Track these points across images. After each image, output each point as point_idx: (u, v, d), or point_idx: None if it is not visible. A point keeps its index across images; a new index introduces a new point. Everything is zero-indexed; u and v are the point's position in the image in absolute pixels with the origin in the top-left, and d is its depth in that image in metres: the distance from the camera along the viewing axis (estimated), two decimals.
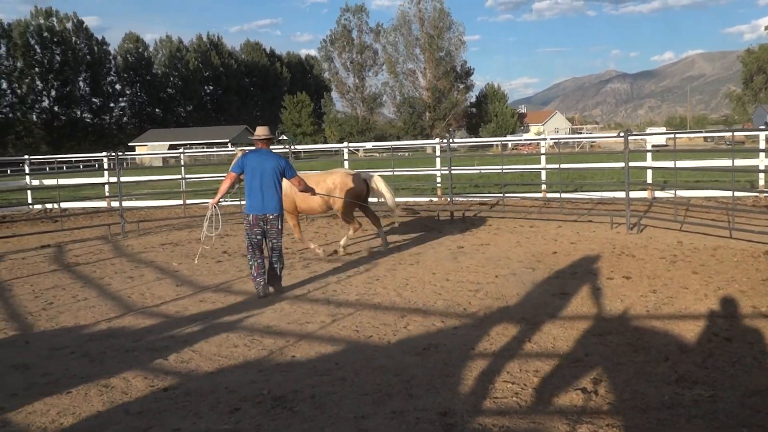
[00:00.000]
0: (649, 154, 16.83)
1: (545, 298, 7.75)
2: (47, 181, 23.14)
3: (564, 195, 16.37)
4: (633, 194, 14.45)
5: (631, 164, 13.20)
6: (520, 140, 37.95)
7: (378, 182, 11.41)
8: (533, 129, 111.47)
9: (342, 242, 11.41)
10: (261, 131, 8.72)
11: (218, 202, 8.78)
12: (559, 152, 18.27)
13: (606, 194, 17.04)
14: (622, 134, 13.13)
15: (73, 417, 4.81)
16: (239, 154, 9.10)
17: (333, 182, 11.08)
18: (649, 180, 16.77)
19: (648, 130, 71.08)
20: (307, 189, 9.11)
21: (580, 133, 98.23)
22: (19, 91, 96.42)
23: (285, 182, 8.76)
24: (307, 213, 11.85)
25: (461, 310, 7.37)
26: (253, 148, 9.00)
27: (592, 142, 61.45)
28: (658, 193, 16.66)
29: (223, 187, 8.63)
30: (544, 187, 18.10)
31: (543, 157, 18.78)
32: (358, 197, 11.13)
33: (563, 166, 17.09)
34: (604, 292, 7.87)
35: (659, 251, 10.36)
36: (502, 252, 10.91)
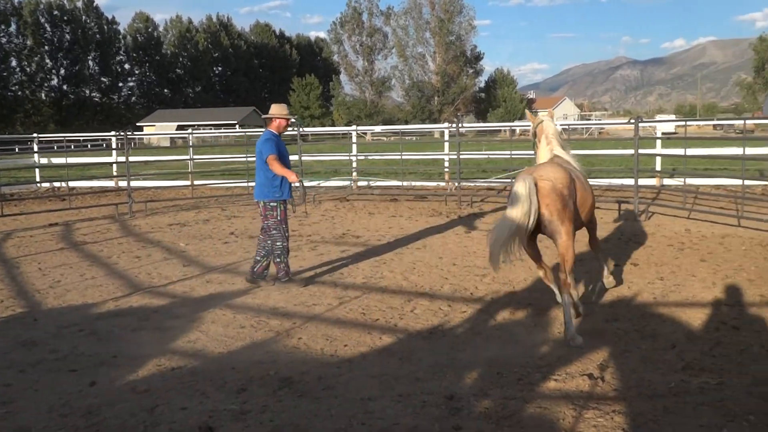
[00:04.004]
0: (658, 142, 16.72)
1: None
2: (56, 160, 23.18)
3: None
4: (642, 181, 14.37)
5: (641, 151, 13.12)
6: (529, 126, 37.84)
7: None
8: (541, 115, 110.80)
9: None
10: (271, 110, 8.12)
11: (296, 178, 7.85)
12: (569, 138, 18.17)
13: (614, 181, 16.95)
14: (632, 121, 13.06)
15: (80, 394, 4.83)
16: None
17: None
18: (658, 167, 16.67)
19: (657, 118, 70.73)
20: (282, 171, 7.67)
21: (589, 119, 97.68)
22: (28, 69, 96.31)
23: None
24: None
25: (468, 295, 7.36)
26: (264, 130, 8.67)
27: (601, 128, 61.17)
28: (667, 181, 16.56)
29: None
30: None
31: None
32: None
33: (572, 152, 16.98)
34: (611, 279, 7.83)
35: (667, 239, 10.32)
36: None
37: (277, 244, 7.92)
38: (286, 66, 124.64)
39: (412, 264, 9.03)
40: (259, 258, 8.08)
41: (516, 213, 5.68)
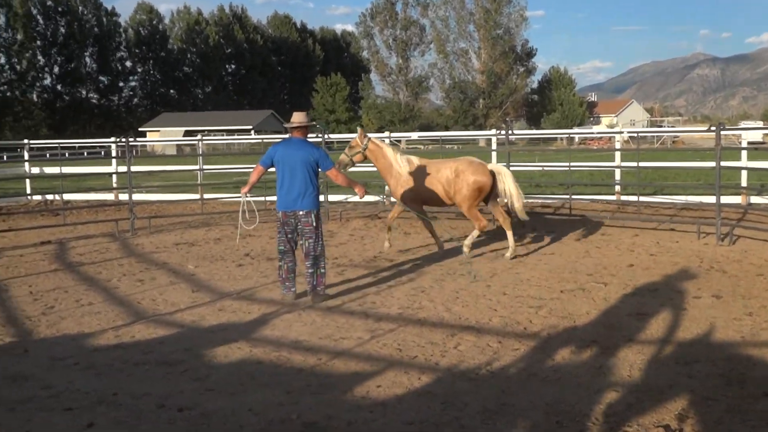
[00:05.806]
0: (744, 153, 16.51)
1: (620, 318, 7.66)
2: (48, 169, 23.61)
3: (642, 198, 16.16)
4: (724, 199, 14.17)
5: (723, 164, 12.95)
6: (590, 133, 37.68)
7: (506, 178, 11.31)
8: (605, 120, 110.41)
9: (466, 241, 11.37)
10: (295, 117, 8.80)
11: (248, 191, 9.17)
12: (637, 148, 18.08)
13: (691, 198, 16.77)
14: (713, 128, 12.91)
15: None
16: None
17: (454, 170, 11.22)
18: (744, 183, 16.45)
19: (741, 124, 69.87)
20: (351, 183, 8.93)
21: (661, 126, 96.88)
22: (18, 66, 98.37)
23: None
24: (430, 204, 11.97)
25: (521, 330, 7.32)
26: (287, 136, 9.13)
27: (675, 137, 60.61)
28: (755, 199, 16.32)
29: (252, 179, 9.02)
30: (618, 188, 17.87)
31: (617, 154, 18.53)
32: (480, 191, 11.15)
33: (641, 164, 16.86)
34: (690, 314, 7.74)
35: (756, 267, 10.17)
36: (568, 263, 10.81)
37: (324, 253, 8.78)
38: (308, 64, 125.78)
39: (454, 293, 9.01)
40: (312, 270, 8.65)
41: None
